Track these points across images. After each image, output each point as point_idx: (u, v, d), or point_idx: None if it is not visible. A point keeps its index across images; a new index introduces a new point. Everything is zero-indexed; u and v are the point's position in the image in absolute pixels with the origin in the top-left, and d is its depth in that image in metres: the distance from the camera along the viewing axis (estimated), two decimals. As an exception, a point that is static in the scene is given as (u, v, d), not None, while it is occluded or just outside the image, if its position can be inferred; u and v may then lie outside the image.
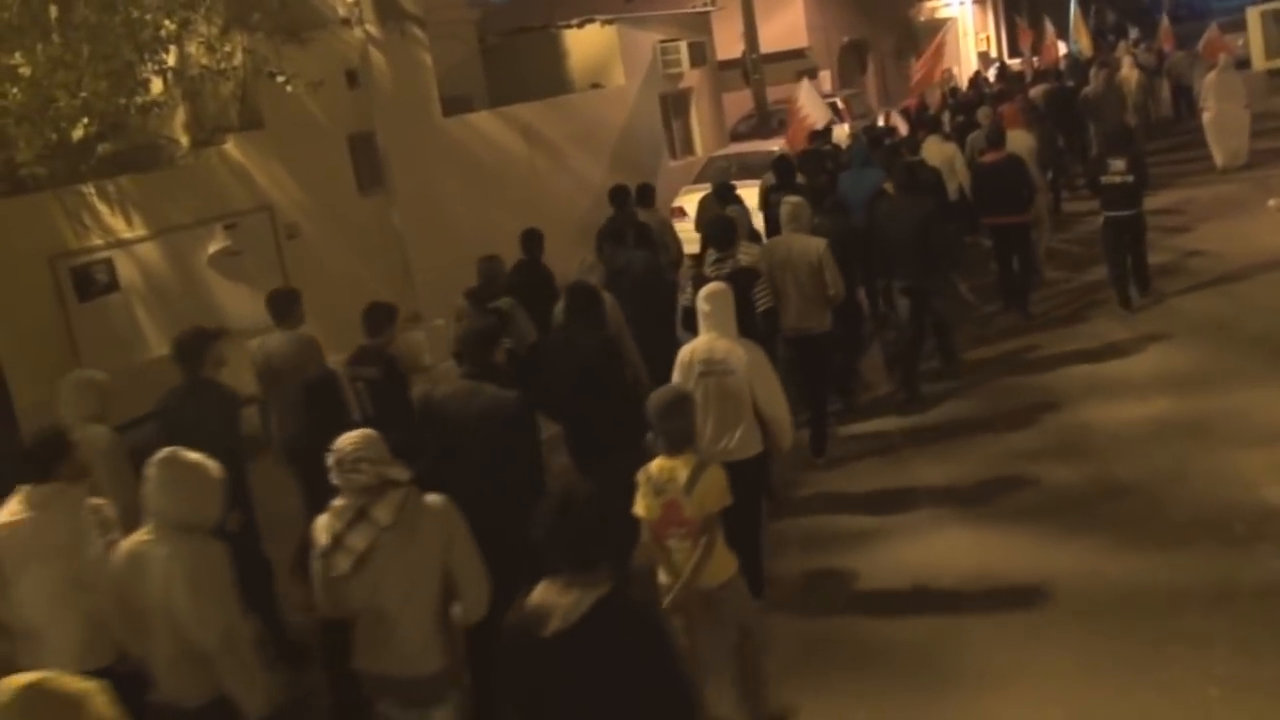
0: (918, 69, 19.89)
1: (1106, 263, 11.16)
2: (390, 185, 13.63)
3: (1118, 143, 11.03)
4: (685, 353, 6.16)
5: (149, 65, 10.56)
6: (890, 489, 7.79)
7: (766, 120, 22.28)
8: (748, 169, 15.24)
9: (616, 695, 3.26)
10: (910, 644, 5.90)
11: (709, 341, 6.09)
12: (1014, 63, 29.85)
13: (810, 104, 15.54)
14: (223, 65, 11.36)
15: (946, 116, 16.34)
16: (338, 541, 4.16)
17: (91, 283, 10.22)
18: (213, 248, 11.41)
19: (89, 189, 10.32)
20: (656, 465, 4.89)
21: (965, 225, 12.38)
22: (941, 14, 35.76)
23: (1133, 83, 19.22)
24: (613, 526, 3.53)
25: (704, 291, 6.22)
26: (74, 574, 4.63)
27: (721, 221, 8.08)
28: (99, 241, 10.36)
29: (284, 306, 7.43)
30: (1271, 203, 13.82)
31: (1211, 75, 16.71)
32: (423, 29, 14.29)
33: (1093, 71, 18.86)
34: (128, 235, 10.64)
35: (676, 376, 6.10)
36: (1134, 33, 26.40)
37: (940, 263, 9.69)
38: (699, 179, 16.61)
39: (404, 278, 13.65)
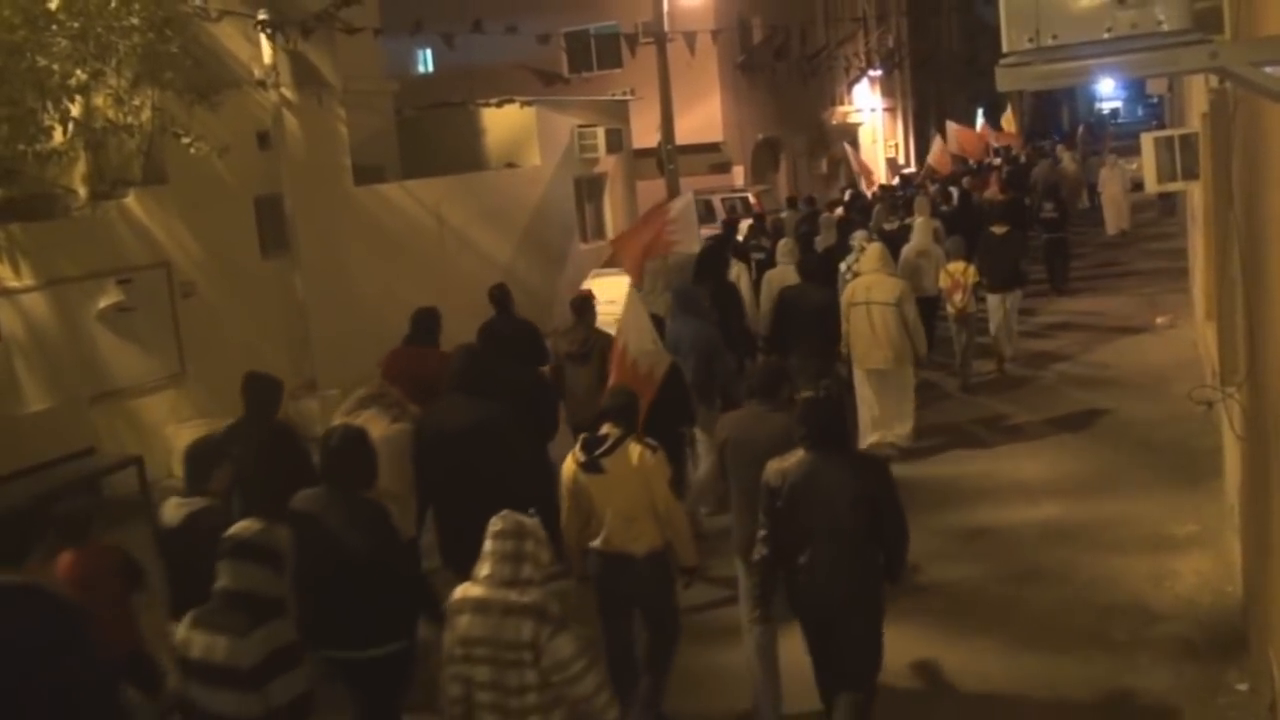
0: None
1: (1044, 264, 18.10)
2: (295, 250, 13.43)
3: (1049, 193, 19.41)
4: (907, 250, 12.35)
5: (52, 113, 10.32)
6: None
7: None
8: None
9: None
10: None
11: (921, 243, 12.44)
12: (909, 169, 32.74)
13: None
14: (129, 120, 11.13)
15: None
16: None
17: (-31, 331, 9.87)
18: (103, 302, 11.09)
19: (-25, 234, 10.02)
20: (953, 266, 11.57)
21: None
22: (852, 119, 36.81)
23: (1070, 174, 26.12)
24: None
25: (918, 223, 12.88)
26: None
27: (888, 194, 14.22)
28: (-19, 289, 10.01)
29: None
30: (1160, 320, 14.36)
31: (1104, 170, 24.34)
32: (339, 96, 14.23)
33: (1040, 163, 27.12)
34: (14, 284, 10.29)
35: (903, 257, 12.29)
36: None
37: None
38: (609, 263, 16.63)
39: (302, 344, 13.41)
